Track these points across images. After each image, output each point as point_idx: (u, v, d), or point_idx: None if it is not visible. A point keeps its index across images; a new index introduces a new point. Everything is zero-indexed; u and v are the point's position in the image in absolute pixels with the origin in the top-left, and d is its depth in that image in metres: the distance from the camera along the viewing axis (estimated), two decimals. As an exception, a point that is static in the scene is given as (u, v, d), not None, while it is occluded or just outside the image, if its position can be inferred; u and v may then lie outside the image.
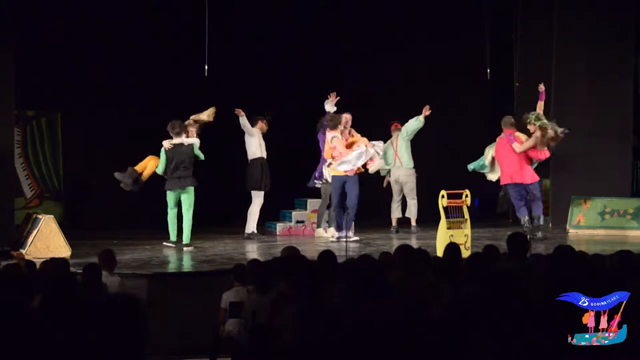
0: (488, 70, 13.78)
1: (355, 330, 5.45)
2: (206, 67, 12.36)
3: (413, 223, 13.77)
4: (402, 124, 13.85)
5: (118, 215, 14.09)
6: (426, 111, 13.49)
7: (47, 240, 11.04)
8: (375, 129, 13.73)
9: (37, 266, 8.16)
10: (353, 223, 12.60)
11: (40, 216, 11.42)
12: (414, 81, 15.65)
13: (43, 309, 5.90)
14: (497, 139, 13.05)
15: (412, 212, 13.79)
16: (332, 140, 12.32)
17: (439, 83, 15.64)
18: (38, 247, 10.98)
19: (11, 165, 11.97)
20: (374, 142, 12.61)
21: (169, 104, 14.17)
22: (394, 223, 13.85)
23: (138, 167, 12.07)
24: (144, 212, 14.11)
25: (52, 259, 8.17)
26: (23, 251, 10.89)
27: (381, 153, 12.88)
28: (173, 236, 11.92)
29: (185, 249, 11.74)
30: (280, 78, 14.82)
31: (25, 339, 5.16)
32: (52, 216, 11.42)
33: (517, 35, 15.52)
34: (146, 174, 12.08)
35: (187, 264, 10.97)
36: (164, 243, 11.94)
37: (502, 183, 13.02)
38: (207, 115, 12.34)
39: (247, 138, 13.06)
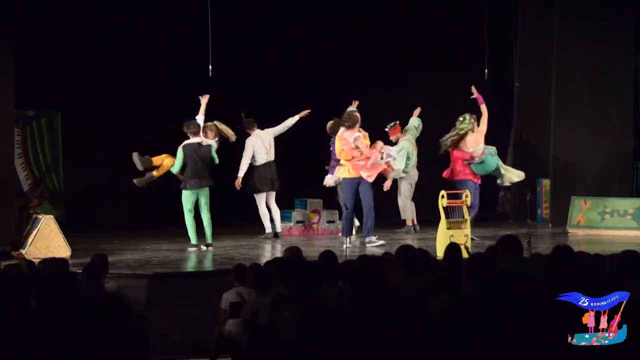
0: (485, 71, 13.77)
1: (355, 330, 5.45)
2: (210, 67, 12.33)
3: (415, 222, 13.79)
4: (401, 125, 13.80)
5: (118, 215, 14.09)
6: (417, 111, 13.57)
7: (47, 240, 11.05)
8: (374, 129, 13.69)
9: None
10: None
11: (40, 216, 11.42)
12: (412, 81, 15.63)
13: (42, 309, 5.90)
14: None
15: (414, 212, 13.80)
16: (356, 140, 11.98)
17: (438, 82, 15.63)
18: (38, 247, 10.98)
19: (11, 165, 11.97)
20: (383, 148, 12.36)
21: (169, 104, 14.17)
22: (410, 222, 13.78)
23: (154, 160, 12.12)
24: (145, 212, 14.12)
25: (51, 259, 8.17)
26: (23, 251, 10.90)
27: (394, 156, 12.74)
28: (194, 239, 11.88)
29: (209, 249, 11.79)
30: (284, 77, 14.79)
31: (26, 339, 5.16)
32: (52, 216, 11.43)
33: (517, 35, 15.51)
34: (160, 171, 12.12)
35: (187, 264, 10.97)
36: (188, 249, 11.84)
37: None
38: (230, 133, 12.41)
39: (272, 139, 13.15)
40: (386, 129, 13.66)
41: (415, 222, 13.79)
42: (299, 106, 13.56)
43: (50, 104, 14.06)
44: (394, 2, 15.53)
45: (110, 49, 14.03)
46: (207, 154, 11.84)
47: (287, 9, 14.92)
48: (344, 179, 12.16)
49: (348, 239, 11.62)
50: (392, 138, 13.68)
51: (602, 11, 14.31)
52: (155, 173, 12.20)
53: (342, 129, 12.16)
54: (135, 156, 12.08)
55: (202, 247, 11.84)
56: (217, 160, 11.98)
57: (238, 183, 12.94)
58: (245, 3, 14.89)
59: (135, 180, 12.26)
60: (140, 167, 12.14)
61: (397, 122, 13.74)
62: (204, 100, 12.09)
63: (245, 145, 13.04)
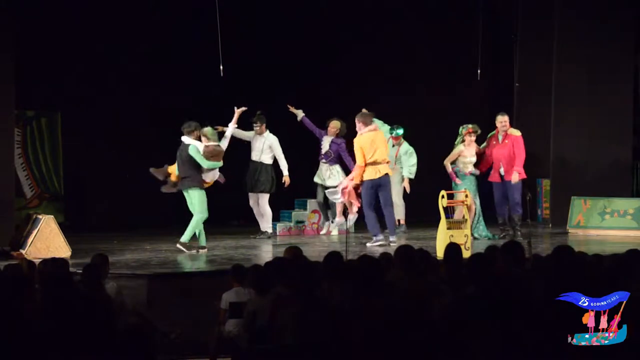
0: (478, 71, 13.76)
1: (354, 330, 5.46)
2: (221, 67, 12.30)
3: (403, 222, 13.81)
4: (402, 125, 13.74)
5: (118, 215, 14.09)
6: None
7: (47, 241, 11.04)
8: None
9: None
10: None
11: (40, 216, 11.41)
12: (411, 81, 15.63)
13: (42, 309, 5.91)
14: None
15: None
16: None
17: (438, 82, 15.63)
18: (38, 247, 10.97)
19: (11, 165, 11.97)
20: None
21: (169, 103, 14.18)
22: (404, 222, 13.81)
23: (170, 168, 11.75)
24: (144, 212, 14.12)
25: (52, 259, 8.17)
26: (23, 251, 10.89)
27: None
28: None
29: (178, 245, 11.58)
30: (290, 77, 14.78)
31: (26, 338, 5.17)
32: (52, 216, 11.42)
33: (517, 35, 15.51)
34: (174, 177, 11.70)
35: (187, 264, 10.97)
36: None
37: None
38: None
39: None
40: (399, 133, 13.50)
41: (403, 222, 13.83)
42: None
43: (50, 104, 14.06)
44: (393, 2, 15.51)
45: (112, 49, 14.04)
46: (185, 155, 11.53)
47: (288, 11, 14.91)
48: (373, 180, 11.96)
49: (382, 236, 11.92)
50: (397, 142, 13.54)
51: (602, 11, 14.31)
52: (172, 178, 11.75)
53: (366, 128, 11.96)
54: (152, 171, 11.71)
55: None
56: (202, 163, 11.49)
57: (288, 180, 13.05)
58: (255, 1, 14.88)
59: (151, 170, 11.71)
60: (160, 177, 11.72)
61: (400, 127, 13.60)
62: (238, 111, 12.04)
63: (275, 144, 13.04)
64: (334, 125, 13.28)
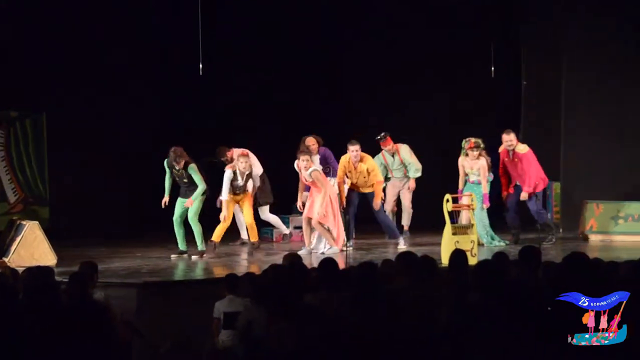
0: (492, 69, 13.79)
1: (356, 338, 5.48)
2: (200, 65, 12.37)
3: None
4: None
5: (106, 221, 14.10)
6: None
7: (31, 248, 11.05)
8: (375, 132, 13.73)
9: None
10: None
11: (24, 222, 11.42)
12: (416, 81, 15.66)
13: (26, 319, 5.92)
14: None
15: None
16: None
17: (442, 83, 15.67)
18: (22, 255, 10.98)
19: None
20: None
21: (159, 104, 14.21)
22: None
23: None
24: (134, 218, 14.13)
25: (36, 267, 8.16)
26: (6, 259, 10.90)
27: None
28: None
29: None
30: (276, 77, 14.84)
31: (11, 348, 5.19)
32: (36, 222, 11.43)
33: (525, 35, 15.54)
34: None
35: (178, 273, 10.99)
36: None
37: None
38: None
39: None
40: (385, 137, 13.52)
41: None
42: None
43: (35, 105, 14.07)
44: (396, 1, 15.55)
45: (97, 48, 14.08)
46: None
47: (281, 7, 14.96)
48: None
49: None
50: (387, 149, 13.55)
51: (614, 11, 14.33)
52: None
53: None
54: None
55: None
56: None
57: None
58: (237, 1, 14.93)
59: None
60: None
61: (384, 133, 13.56)
62: None
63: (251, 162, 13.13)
64: (312, 142, 13.09)
